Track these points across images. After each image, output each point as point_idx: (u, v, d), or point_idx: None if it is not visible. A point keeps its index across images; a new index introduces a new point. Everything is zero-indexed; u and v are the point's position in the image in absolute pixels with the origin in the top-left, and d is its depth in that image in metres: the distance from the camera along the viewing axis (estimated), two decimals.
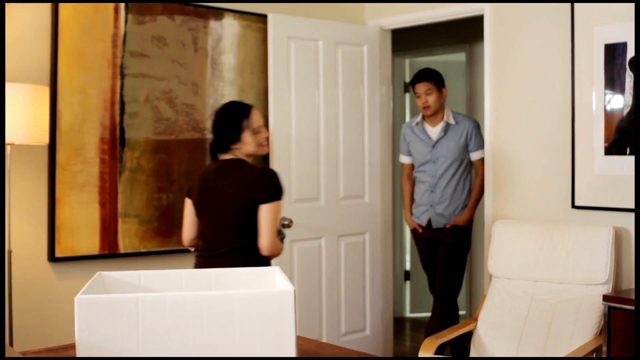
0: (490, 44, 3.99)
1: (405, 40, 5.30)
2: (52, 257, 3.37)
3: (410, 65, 5.82)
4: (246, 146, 2.84)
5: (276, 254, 2.84)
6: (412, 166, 4.38)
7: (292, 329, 1.42)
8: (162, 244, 3.71)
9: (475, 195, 4.23)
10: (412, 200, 4.40)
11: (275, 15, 4.03)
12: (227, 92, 3.94)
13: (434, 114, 4.19)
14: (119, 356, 1.38)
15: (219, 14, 3.90)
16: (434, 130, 4.22)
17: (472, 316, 5.24)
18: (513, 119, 3.91)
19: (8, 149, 2.94)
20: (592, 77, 3.53)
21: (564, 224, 3.50)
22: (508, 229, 3.62)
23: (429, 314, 5.78)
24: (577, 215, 3.62)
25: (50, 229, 3.38)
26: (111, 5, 3.53)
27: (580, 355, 3.00)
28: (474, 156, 4.21)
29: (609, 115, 3.48)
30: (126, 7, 3.58)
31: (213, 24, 3.88)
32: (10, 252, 3.10)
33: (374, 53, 4.45)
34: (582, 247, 3.37)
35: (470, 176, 4.30)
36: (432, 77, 4.17)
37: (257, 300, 1.41)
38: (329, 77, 4.25)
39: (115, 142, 3.55)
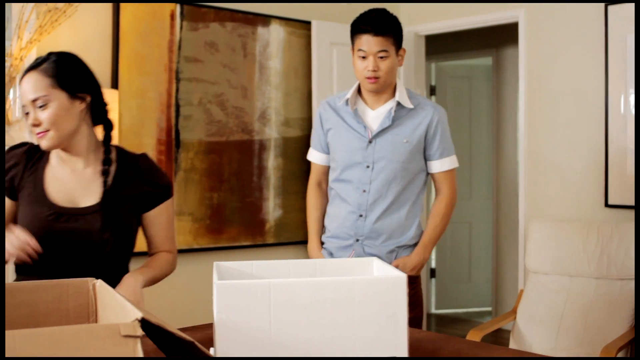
0: (525, 49, 4.15)
1: (431, 45, 5.38)
2: None
3: (436, 70, 5.96)
4: None
5: None
6: (327, 169, 2.76)
7: (404, 310, 1.59)
8: (213, 241, 3.87)
9: (437, 227, 2.67)
10: (322, 223, 2.78)
11: (319, 22, 4.20)
12: (273, 95, 4.11)
13: (380, 89, 2.60)
14: (254, 334, 1.55)
15: (266, 20, 4.07)
16: (374, 115, 2.63)
17: (499, 310, 5.42)
18: (547, 120, 4.07)
19: None
20: (625, 81, 3.70)
21: (599, 221, 3.67)
22: (545, 227, 3.78)
23: (454, 310, 5.97)
24: (611, 214, 3.79)
25: None
26: (167, 12, 3.70)
27: (620, 344, 3.17)
28: (438, 166, 2.65)
29: None
30: (181, 15, 3.75)
31: (261, 30, 4.05)
32: None
33: (410, 58, 4.61)
34: (616, 243, 3.54)
35: (422, 197, 2.73)
36: (393, 30, 2.54)
37: (375, 285, 1.58)
38: None
39: (171, 144, 3.72)
